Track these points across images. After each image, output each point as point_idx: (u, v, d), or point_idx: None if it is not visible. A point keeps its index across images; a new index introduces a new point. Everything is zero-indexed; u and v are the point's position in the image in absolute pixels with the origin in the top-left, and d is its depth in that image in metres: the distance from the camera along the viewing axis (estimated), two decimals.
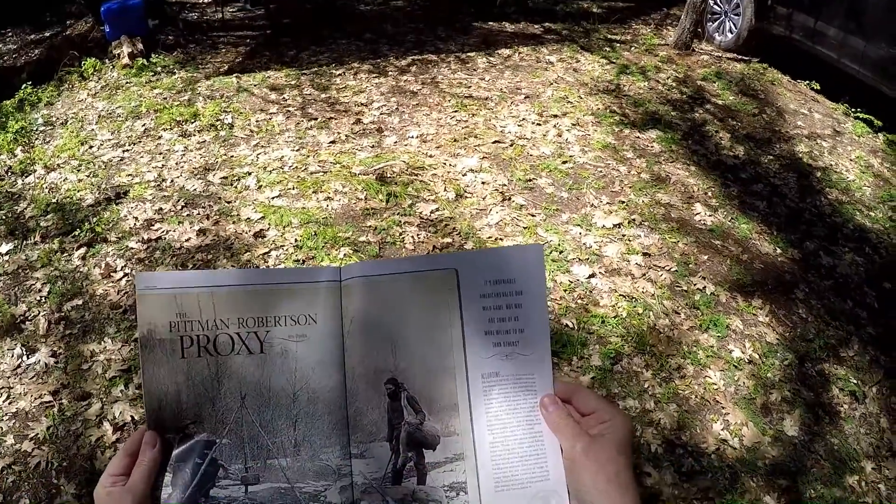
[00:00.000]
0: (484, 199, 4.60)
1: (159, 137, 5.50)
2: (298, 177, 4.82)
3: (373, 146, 5.33)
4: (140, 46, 7.20)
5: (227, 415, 0.78)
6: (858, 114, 6.49)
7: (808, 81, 7.09)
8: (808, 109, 6.67)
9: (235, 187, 4.73)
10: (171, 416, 0.78)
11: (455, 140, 5.39)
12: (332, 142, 5.38)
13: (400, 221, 4.32)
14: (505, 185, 4.76)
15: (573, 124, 5.75)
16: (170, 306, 0.78)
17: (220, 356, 0.79)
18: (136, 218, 4.40)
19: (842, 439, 3.28)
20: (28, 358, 3.44)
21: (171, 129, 5.61)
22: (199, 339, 0.78)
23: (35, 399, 3.22)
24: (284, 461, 0.78)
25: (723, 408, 3.29)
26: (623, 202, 4.66)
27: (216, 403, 0.78)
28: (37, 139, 5.69)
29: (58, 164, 5.14)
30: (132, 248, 4.13)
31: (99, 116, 5.98)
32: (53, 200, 4.64)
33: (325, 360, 0.80)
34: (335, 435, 0.79)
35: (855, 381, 3.59)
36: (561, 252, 4.13)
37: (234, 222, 4.33)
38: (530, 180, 4.84)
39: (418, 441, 0.79)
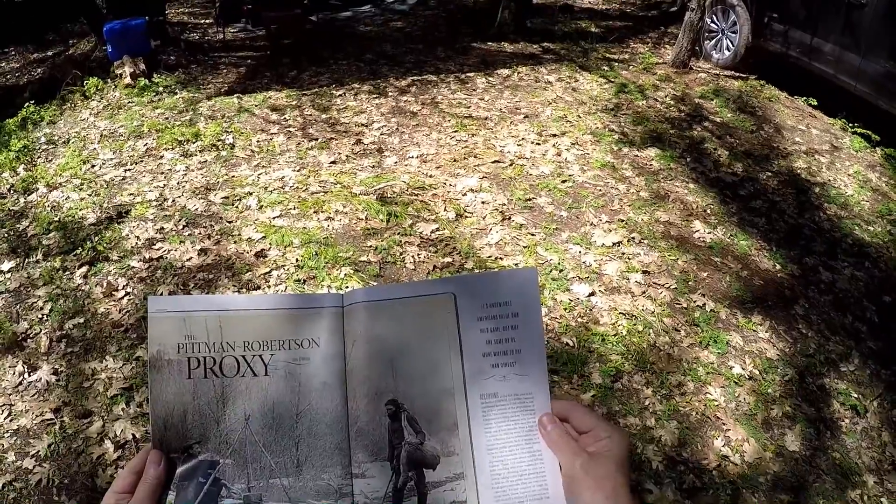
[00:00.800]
0: (484, 218, 4.62)
1: (161, 157, 5.53)
2: (299, 197, 4.84)
3: (373, 166, 5.37)
4: (142, 66, 7.27)
5: (231, 435, 0.79)
6: (856, 129, 6.53)
7: (805, 97, 7.15)
8: (805, 125, 6.71)
9: (237, 207, 4.76)
10: (176, 435, 0.79)
11: (455, 160, 5.42)
12: (333, 162, 5.42)
13: (400, 241, 4.34)
14: (505, 204, 4.79)
15: (572, 143, 5.78)
16: (179, 328, 0.80)
17: (225, 378, 0.80)
18: (138, 237, 4.42)
19: (843, 453, 3.27)
20: (30, 375, 3.45)
21: (172, 148, 5.64)
22: (205, 360, 0.80)
23: (36, 416, 3.22)
24: (287, 481, 0.79)
25: (724, 424, 3.29)
26: (622, 220, 4.68)
27: (221, 424, 0.80)
28: (39, 158, 5.73)
29: (60, 183, 5.17)
30: (134, 268, 4.15)
31: (101, 136, 6.02)
32: (56, 219, 4.67)
33: (328, 382, 0.82)
34: (337, 455, 0.80)
35: (856, 396, 3.59)
36: (561, 271, 4.14)
37: (235, 242, 4.35)
38: (530, 199, 4.87)
39: (418, 461, 0.80)
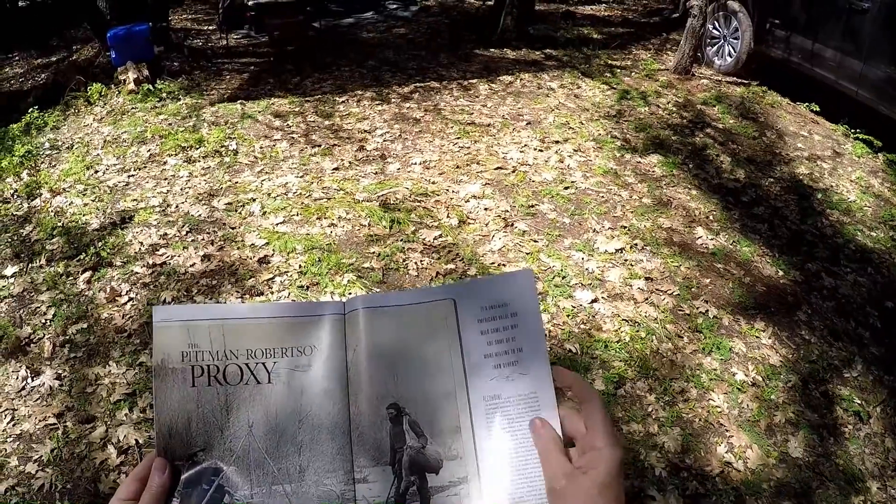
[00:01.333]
0: (487, 225, 4.63)
1: (164, 163, 5.55)
2: (302, 203, 4.85)
3: (376, 173, 5.38)
4: (146, 72, 7.29)
5: (234, 442, 0.79)
6: (858, 134, 6.53)
7: (807, 103, 7.14)
8: (807, 131, 6.71)
9: (240, 213, 4.77)
10: (180, 443, 0.79)
11: (458, 166, 5.43)
12: (336, 168, 5.43)
13: (403, 248, 4.35)
14: (507, 211, 4.79)
15: (575, 150, 5.79)
16: (183, 337, 0.81)
17: (229, 386, 0.81)
18: (142, 243, 4.43)
19: (847, 460, 3.27)
20: (33, 380, 3.45)
21: (176, 154, 5.66)
22: (209, 368, 0.80)
23: (39, 421, 3.22)
24: (289, 486, 0.79)
25: (727, 430, 3.28)
26: (625, 227, 4.68)
27: (225, 431, 0.80)
28: (43, 163, 5.74)
29: (63, 188, 5.18)
30: (137, 273, 4.16)
31: (104, 141, 6.03)
32: (59, 224, 4.67)
33: (330, 388, 0.82)
34: (339, 460, 0.80)
35: (859, 402, 3.58)
36: (563, 277, 4.14)
37: (238, 248, 4.36)
38: (532, 206, 4.87)
39: (420, 465, 0.80)
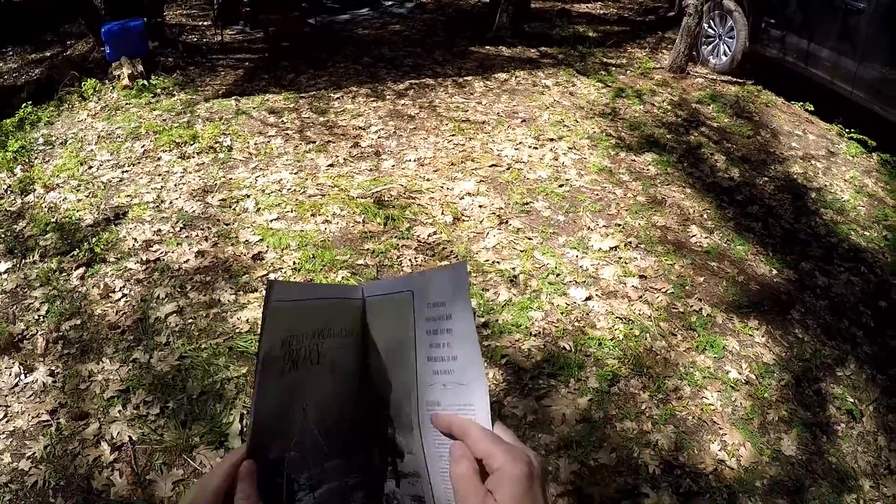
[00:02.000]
0: (481, 222, 4.63)
1: (158, 159, 5.53)
2: (297, 199, 4.84)
3: (370, 170, 5.37)
4: (140, 68, 7.26)
5: (293, 427, 0.76)
6: (852, 134, 6.56)
7: (802, 103, 7.17)
8: (802, 131, 6.73)
9: (234, 209, 4.75)
10: (270, 438, 0.74)
11: (452, 164, 5.43)
12: (331, 165, 5.42)
13: (397, 244, 4.34)
14: (502, 208, 4.79)
15: (569, 148, 5.79)
16: (288, 321, 0.74)
17: (298, 370, 0.76)
18: (135, 239, 4.41)
19: (839, 458, 3.28)
20: (26, 377, 3.44)
21: (170, 150, 5.64)
22: (297, 352, 0.75)
23: (33, 418, 3.21)
24: (338, 461, 0.79)
25: (720, 428, 3.29)
26: (619, 225, 4.68)
27: (290, 417, 0.76)
28: (36, 158, 5.72)
29: (57, 184, 5.16)
30: (131, 269, 4.14)
31: (98, 137, 6.01)
32: (53, 220, 4.66)
33: (359, 368, 0.83)
34: (375, 434, 0.82)
35: (852, 400, 3.60)
36: (558, 275, 4.15)
37: (232, 244, 4.35)
38: (527, 203, 4.87)
39: (392, 448, 0.82)
